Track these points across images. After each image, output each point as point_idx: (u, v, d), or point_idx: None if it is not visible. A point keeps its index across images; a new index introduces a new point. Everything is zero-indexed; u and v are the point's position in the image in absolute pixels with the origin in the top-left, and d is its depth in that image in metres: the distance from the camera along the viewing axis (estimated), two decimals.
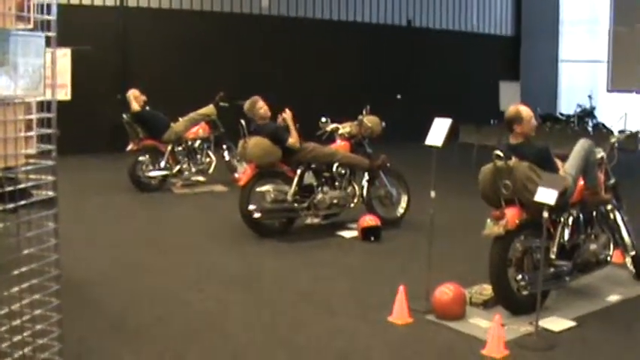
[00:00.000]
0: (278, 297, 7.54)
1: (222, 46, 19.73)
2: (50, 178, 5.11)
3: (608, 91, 25.58)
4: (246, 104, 10.43)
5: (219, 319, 6.88)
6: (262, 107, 10.40)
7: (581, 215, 7.51)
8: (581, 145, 7.48)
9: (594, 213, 7.78)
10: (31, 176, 5.02)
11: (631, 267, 8.12)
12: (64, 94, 16.20)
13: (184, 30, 19.25)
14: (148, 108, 13.54)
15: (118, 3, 18.41)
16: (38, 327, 5.12)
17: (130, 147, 13.36)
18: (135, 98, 13.46)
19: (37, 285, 5.07)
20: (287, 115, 10.38)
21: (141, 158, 13.25)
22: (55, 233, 5.17)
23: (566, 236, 7.28)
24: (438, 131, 7.33)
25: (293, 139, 10.15)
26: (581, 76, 27.16)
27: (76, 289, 7.39)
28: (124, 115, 13.42)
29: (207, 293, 7.62)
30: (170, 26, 19.08)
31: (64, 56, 15.99)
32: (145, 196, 12.92)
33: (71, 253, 8.08)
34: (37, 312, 5.09)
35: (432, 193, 7.24)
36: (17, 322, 4.94)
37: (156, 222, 11.12)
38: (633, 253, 8.00)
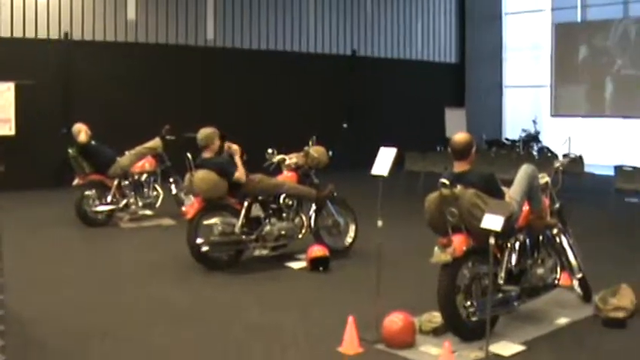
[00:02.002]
0: (228, 331, 7.48)
1: (167, 78, 19.67)
2: None
3: (551, 115, 25.96)
4: (204, 132, 10.38)
5: (169, 355, 6.81)
6: (218, 140, 10.39)
7: (527, 240, 7.59)
8: (524, 170, 7.56)
9: (540, 237, 7.86)
10: None
11: (578, 289, 8.26)
12: (8, 128, 16.08)
13: (129, 63, 19.17)
14: (93, 142, 13.41)
15: (62, 36, 18.28)
16: None
17: (76, 182, 13.21)
18: (84, 130, 13.33)
19: None
20: (234, 149, 10.35)
21: (87, 193, 13.10)
22: None
23: (514, 261, 7.36)
24: (384, 161, 7.35)
25: (239, 173, 10.12)
26: (525, 102, 27.54)
27: (22, 329, 7.27)
28: (70, 150, 13.29)
29: (157, 329, 7.53)
30: (115, 59, 18.98)
31: (7, 90, 15.86)
32: (91, 231, 12.77)
33: (16, 292, 7.95)
34: None
35: (379, 223, 7.25)
36: None
37: (103, 257, 10.98)
38: (580, 275, 8.12)
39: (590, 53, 24.77)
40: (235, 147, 10.38)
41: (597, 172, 20.39)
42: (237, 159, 10.25)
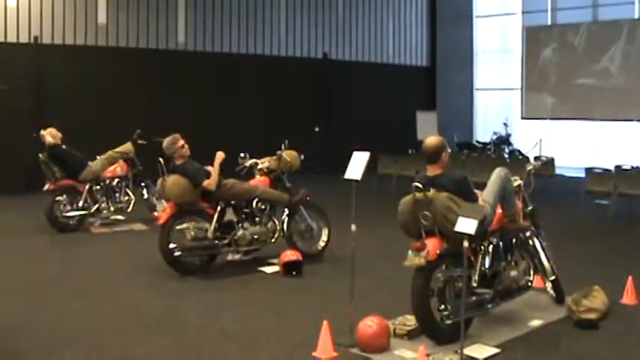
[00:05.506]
0: (202, 337, 7.44)
1: (138, 82, 19.56)
2: None
3: (522, 118, 26.09)
4: (166, 142, 10.29)
5: None
6: (183, 145, 10.31)
7: (500, 243, 7.63)
8: (497, 173, 7.59)
9: (514, 240, 7.91)
10: None
11: (551, 291, 8.32)
12: None
13: (100, 67, 19.07)
14: (64, 146, 13.32)
15: (32, 40, 18.16)
16: None
17: (46, 187, 13.10)
18: (49, 134, 13.24)
19: None
20: (218, 156, 10.30)
21: (58, 198, 12.98)
22: None
23: (487, 264, 7.40)
24: (357, 165, 7.35)
25: (209, 182, 10.06)
26: (496, 104, 27.65)
27: None
28: (40, 155, 13.17)
29: (129, 336, 7.48)
30: (85, 63, 18.86)
31: None
32: (62, 236, 12.67)
33: None
34: None
35: (353, 227, 7.24)
36: None
37: (74, 263, 10.89)
38: (553, 277, 8.19)
39: (560, 56, 24.91)
40: (219, 153, 10.32)
41: (568, 174, 20.54)
42: (217, 166, 10.19)
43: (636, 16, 23.34)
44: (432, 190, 7.01)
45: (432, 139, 7.40)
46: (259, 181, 10.84)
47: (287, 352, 6.95)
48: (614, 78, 23.45)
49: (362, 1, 25.15)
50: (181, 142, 10.30)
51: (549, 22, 25.79)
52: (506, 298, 7.68)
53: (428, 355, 6.32)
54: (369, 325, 6.93)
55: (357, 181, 7.29)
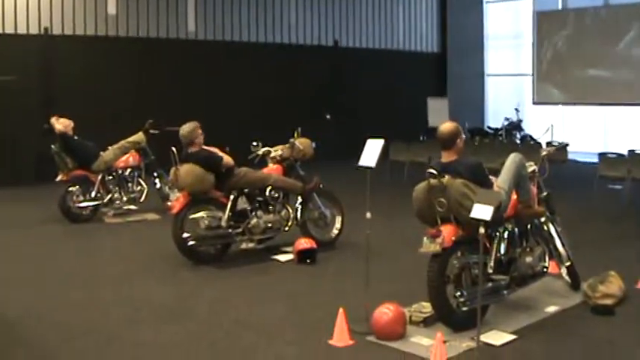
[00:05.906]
0: (216, 325, 7.44)
1: (149, 71, 19.55)
2: None
3: (533, 103, 25.99)
4: (186, 129, 10.25)
5: (156, 351, 6.76)
6: (201, 134, 10.30)
7: (516, 229, 7.59)
8: (512, 159, 7.54)
9: (529, 226, 7.87)
10: None
11: (566, 277, 8.28)
12: None
13: (110, 57, 19.03)
14: (76, 137, 13.30)
15: (42, 31, 18.15)
16: None
17: (59, 177, 13.11)
18: (61, 123, 13.21)
19: None
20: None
21: (71, 188, 12.97)
22: None
23: (503, 250, 7.36)
24: (371, 152, 7.32)
25: (226, 158, 10.14)
26: (507, 90, 27.53)
27: (8, 328, 7.21)
28: (53, 146, 13.17)
29: (143, 325, 7.48)
30: (95, 54, 18.83)
31: None
32: (76, 227, 12.67)
33: (1, 290, 7.88)
34: None
35: (368, 214, 7.21)
36: None
37: (88, 253, 10.90)
38: (568, 263, 8.15)
39: (571, 41, 24.77)
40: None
41: (580, 159, 20.46)
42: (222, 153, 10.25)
43: None
44: (446, 177, 6.98)
45: (446, 125, 7.37)
46: (272, 170, 10.83)
47: (302, 341, 6.94)
48: (628, 63, 23.32)
49: None
50: (200, 130, 10.30)
51: (560, 7, 25.63)
52: (522, 285, 7.65)
53: (444, 342, 6.28)
54: (385, 312, 6.91)
55: (371, 168, 7.27)
